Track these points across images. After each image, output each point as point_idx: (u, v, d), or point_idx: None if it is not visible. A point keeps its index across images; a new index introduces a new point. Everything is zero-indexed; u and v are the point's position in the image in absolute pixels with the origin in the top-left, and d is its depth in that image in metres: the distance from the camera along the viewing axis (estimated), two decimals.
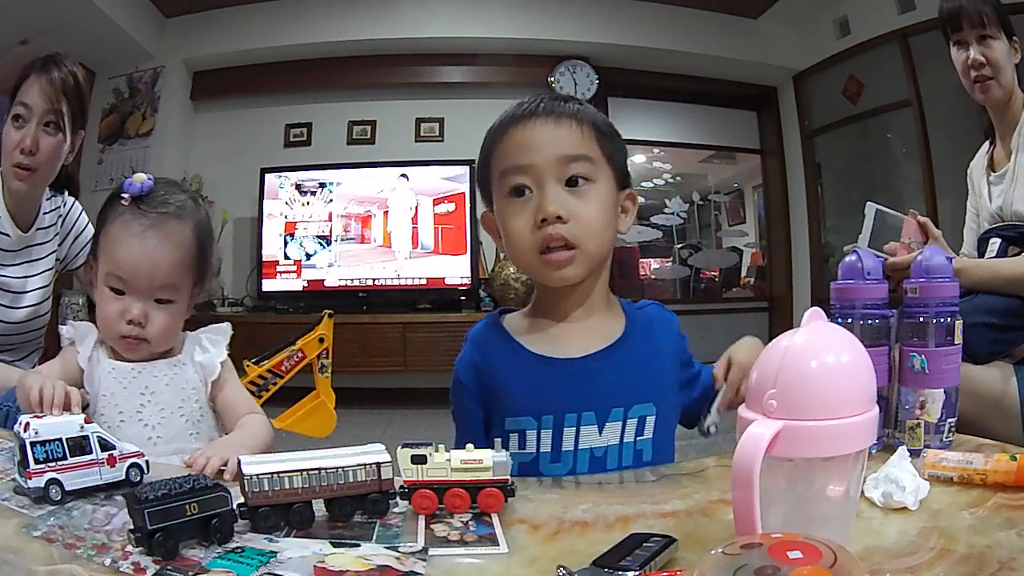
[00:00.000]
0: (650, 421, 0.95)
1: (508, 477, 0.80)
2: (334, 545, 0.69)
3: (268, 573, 0.63)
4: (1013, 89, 1.62)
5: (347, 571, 0.63)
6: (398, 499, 0.80)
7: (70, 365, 1.07)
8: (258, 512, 0.73)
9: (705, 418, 0.96)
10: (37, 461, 0.79)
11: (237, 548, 0.68)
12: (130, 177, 1.08)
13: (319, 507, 0.77)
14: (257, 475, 0.74)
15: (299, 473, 0.75)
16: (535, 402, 0.94)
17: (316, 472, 0.75)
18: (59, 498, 0.78)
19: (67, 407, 0.89)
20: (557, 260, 0.91)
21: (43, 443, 0.80)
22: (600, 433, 0.93)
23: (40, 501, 0.77)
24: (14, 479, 0.83)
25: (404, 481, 0.79)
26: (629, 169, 1.01)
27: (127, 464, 0.84)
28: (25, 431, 0.80)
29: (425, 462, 0.78)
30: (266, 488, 0.74)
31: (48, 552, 0.66)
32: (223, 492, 0.72)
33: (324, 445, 0.80)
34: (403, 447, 0.79)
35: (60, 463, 0.80)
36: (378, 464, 0.77)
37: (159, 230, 1.06)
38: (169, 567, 0.63)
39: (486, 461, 0.79)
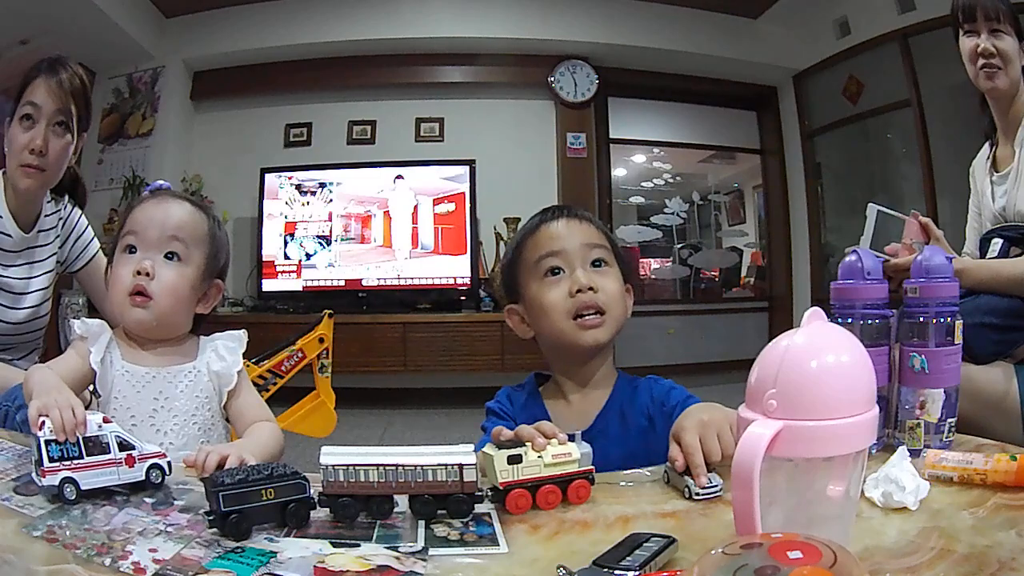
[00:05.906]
0: None
1: (592, 467, 0.82)
2: (334, 545, 0.69)
3: (268, 573, 0.63)
4: (1018, 86, 1.62)
5: (347, 571, 0.63)
6: (487, 501, 0.79)
7: (83, 363, 1.06)
8: (338, 501, 0.75)
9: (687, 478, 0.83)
10: (51, 459, 0.78)
11: (237, 548, 0.68)
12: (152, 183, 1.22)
13: (403, 504, 0.77)
14: (333, 465, 0.75)
15: (375, 467, 0.75)
16: None
17: (393, 468, 0.75)
18: (73, 498, 0.77)
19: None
20: (591, 324, 1.08)
21: (58, 441, 0.79)
22: None
23: (55, 500, 0.77)
24: (15, 480, 0.83)
25: (500, 483, 0.78)
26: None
27: (147, 465, 0.83)
28: (40, 429, 0.80)
29: (521, 461, 0.79)
30: (341, 479, 0.75)
31: (48, 552, 0.66)
32: (301, 480, 0.74)
33: (323, 444, 0.79)
34: (499, 448, 0.80)
35: (76, 462, 0.79)
36: (461, 465, 0.76)
37: (176, 201, 1.16)
38: (169, 567, 0.63)
39: (574, 453, 0.81)
